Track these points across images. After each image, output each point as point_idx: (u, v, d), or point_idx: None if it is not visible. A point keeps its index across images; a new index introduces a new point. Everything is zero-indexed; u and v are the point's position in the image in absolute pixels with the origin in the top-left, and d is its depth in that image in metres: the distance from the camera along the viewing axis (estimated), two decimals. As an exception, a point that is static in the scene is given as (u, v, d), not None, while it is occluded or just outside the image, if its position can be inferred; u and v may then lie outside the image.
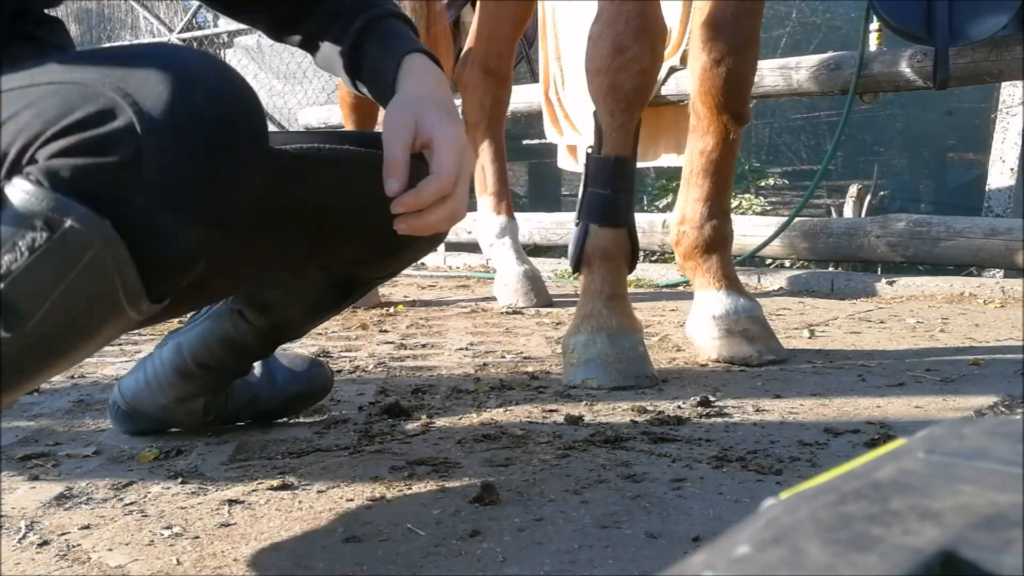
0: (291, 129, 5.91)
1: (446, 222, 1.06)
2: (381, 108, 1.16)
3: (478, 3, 3.26)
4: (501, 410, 1.67)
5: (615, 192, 1.94)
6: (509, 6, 3.16)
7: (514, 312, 2.92)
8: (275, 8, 1.24)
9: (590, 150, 1.98)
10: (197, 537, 1.11)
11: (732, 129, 2.07)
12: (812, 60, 3.53)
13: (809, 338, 2.36)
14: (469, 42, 3.28)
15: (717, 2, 2.01)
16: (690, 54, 2.10)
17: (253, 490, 1.26)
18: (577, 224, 1.98)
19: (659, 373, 1.93)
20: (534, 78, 4.91)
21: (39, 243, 0.78)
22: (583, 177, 2.00)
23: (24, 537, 1.12)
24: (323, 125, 5.28)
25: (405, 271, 4.09)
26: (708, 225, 2.09)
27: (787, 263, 4.06)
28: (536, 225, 4.22)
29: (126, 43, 6.94)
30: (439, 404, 1.73)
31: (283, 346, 1.54)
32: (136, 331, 2.64)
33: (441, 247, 4.72)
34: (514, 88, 3.70)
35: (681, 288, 3.32)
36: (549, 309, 2.95)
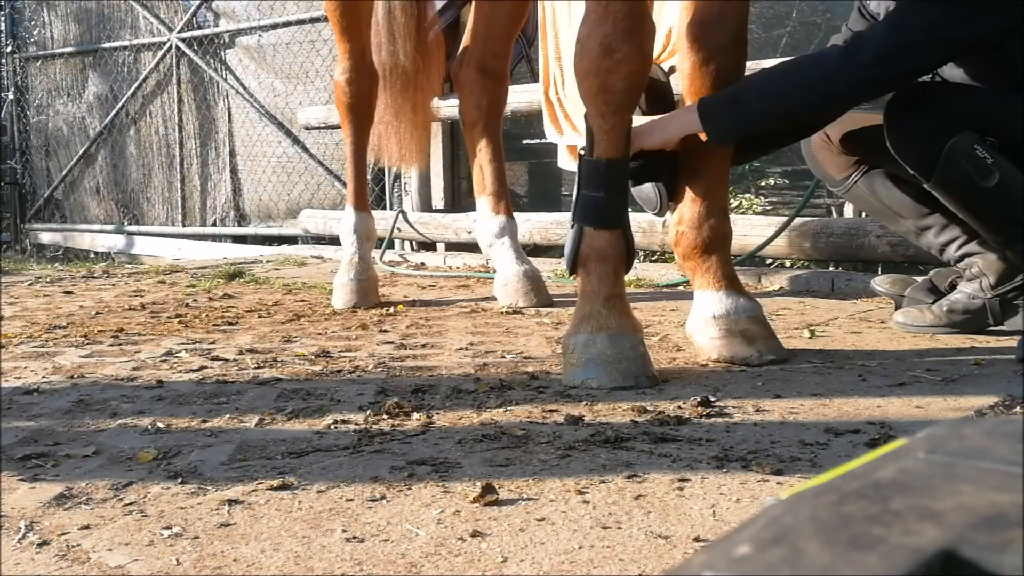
0: (291, 129, 5.91)
1: None
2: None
3: (473, 2, 3.25)
4: (501, 410, 1.67)
5: (608, 194, 1.94)
6: (504, 5, 3.15)
7: (514, 312, 2.92)
8: None
9: (582, 152, 1.98)
10: (197, 537, 1.11)
11: None
12: (812, 60, 3.52)
13: (810, 338, 2.36)
14: (465, 41, 3.28)
15: (703, 2, 2.01)
16: (678, 54, 2.10)
17: (253, 490, 1.26)
18: (572, 226, 1.98)
19: (659, 373, 1.93)
20: (534, 78, 4.90)
21: None
22: (576, 179, 2.00)
23: (24, 537, 1.12)
24: (323, 125, 5.28)
25: (405, 271, 4.10)
26: (706, 225, 2.09)
27: (787, 263, 4.05)
28: (536, 225, 4.22)
29: (125, 43, 6.93)
30: (439, 404, 1.73)
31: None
32: (136, 331, 2.64)
33: (441, 247, 4.73)
34: (514, 88, 3.70)
35: (681, 288, 3.32)
36: (549, 309, 2.95)
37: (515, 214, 3.31)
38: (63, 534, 1.13)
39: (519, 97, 4.20)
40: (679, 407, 1.66)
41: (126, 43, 6.95)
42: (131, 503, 1.23)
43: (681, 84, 2.10)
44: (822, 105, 2.03)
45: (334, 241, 4.87)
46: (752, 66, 3.25)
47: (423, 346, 2.35)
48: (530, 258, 3.27)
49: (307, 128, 5.56)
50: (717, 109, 1.95)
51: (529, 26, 4.31)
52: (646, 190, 2.13)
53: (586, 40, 1.90)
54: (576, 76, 1.94)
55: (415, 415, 1.63)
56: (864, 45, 1.91)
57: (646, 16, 1.92)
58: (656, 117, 2.04)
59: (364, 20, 3.15)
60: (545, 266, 3.65)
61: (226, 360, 2.19)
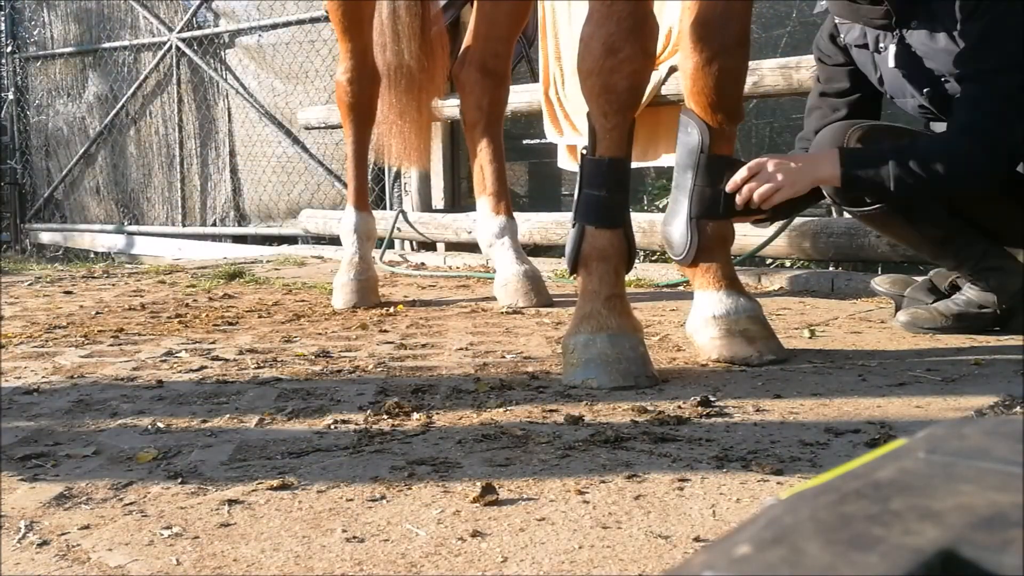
0: (291, 129, 5.90)
1: None
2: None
3: (475, 3, 3.25)
4: (501, 410, 1.67)
5: (610, 193, 1.94)
6: (506, 6, 3.16)
7: (514, 312, 2.92)
8: None
9: (585, 151, 1.98)
10: (197, 537, 1.10)
11: (726, 127, 2.07)
12: (813, 59, 3.53)
13: (810, 338, 2.36)
14: (466, 42, 3.28)
15: (707, 2, 2.01)
16: (680, 54, 2.10)
17: (253, 490, 1.26)
18: (573, 226, 1.98)
19: (659, 373, 1.93)
20: (534, 78, 4.90)
21: None
22: (578, 178, 2.00)
23: (24, 537, 1.12)
24: (323, 125, 5.28)
25: (405, 271, 4.10)
26: (707, 225, 2.09)
27: (787, 263, 4.05)
28: (536, 225, 4.22)
29: (125, 43, 6.93)
30: (439, 404, 1.73)
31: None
32: (136, 331, 2.64)
33: (441, 247, 4.73)
34: (514, 88, 3.69)
35: (681, 288, 3.32)
36: (549, 309, 2.95)
37: (515, 214, 3.31)
38: (63, 534, 1.13)
39: (519, 97, 4.20)
40: (679, 407, 1.66)
41: (126, 43, 6.95)
42: (131, 503, 1.23)
43: (683, 84, 2.10)
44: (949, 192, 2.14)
45: (334, 241, 4.87)
46: (752, 66, 3.25)
47: (423, 346, 2.35)
48: (530, 258, 3.27)
49: (307, 128, 5.56)
50: (860, 172, 2.03)
51: (529, 26, 4.32)
52: (672, 231, 2.12)
53: (589, 39, 1.90)
54: (579, 75, 1.94)
55: (415, 415, 1.63)
56: (978, 141, 2.03)
57: (649, 16, 1.92)
58: (786, 157, 2.07)
59: (366, 20, 3.16)
60: (545, 266, 3.65)
61: (226, 360, 2.19)
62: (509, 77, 3.32)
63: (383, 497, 1.22)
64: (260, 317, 2.88)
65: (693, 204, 2.07)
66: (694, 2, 2.03)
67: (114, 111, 7.00)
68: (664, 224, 2.16)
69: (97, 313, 3.04)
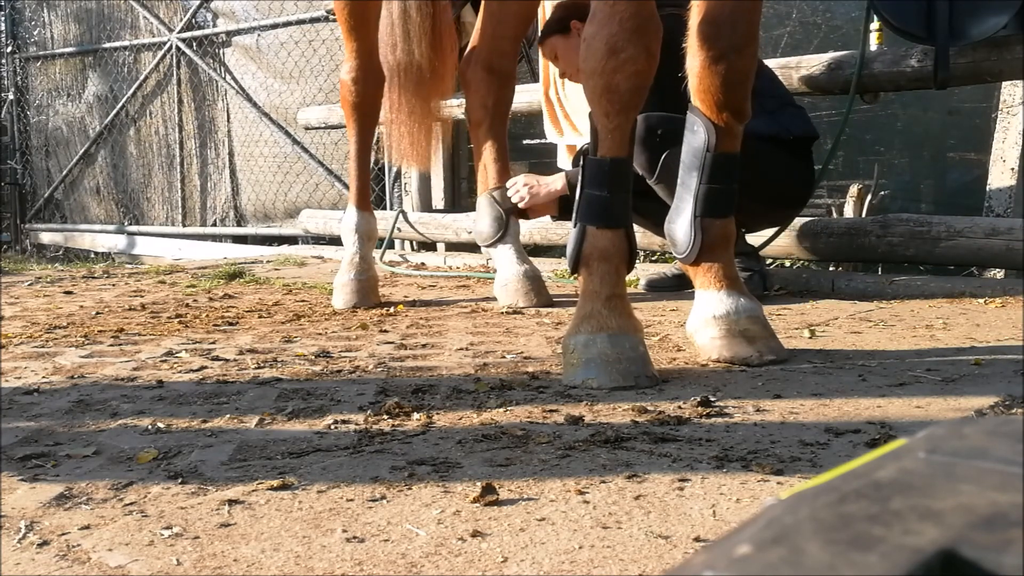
0: (289, 129, 5.90)
1: None
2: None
3: (482, 2, 3.26)
4: (501, 410, 1.67)
5: (612, 193, 1.94)
6: (513, 6, 3.16)
7: (514, 312, 2.92)
8: None
9: (586, 151, 1.98)
10: (197, 537, 1.10)
11: (733, 127, 2.07)
12: (813, 60, 3.53)
13: (810, 338, 2.36)
14: (472, 41, 3.28)
15: (716, 1, 2.01)
16: (688, 52, 2.09)
17: (253, 490, 1.26)
18: (575, 226, 1.99)
19: (659, 373, 1.93)
20: (534, 78, 4.90)
21: None
22: (580, 179, 2.00)
23: (24, 537, 1.12)
24: (323, 124, 5.28)
25: (405, 271, 4.09)
26: (712, 225, 2.09)
27: (787, 263, 4.05)
28: (536, 225, 4.22)
29: (125, 43, 6.93)
30: (439, 404, 1.73)
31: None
32: (136, 331, 2.64)
33: (441, 247, 4.73)
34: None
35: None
36: (549, 309, 2.95)
37: (515, 214, 3.31)
38: (63, 534, 1.13)
39: (519, 97, 4.19)
40: (679, 407, 1.66)
41: (126, 43, 6.95)
42: (131, 503, 1.23)
43: (689, 83, 2.10)
44: None
45: (334, 241, 4.87)
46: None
47: (423, 346, 2.35)
48: (530, 258, 3.27)
49: (307, 128, 5.56)
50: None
51: (530, 26, 4.31)
52: (676, 228, 2.13)
53: (592, 39, 1.90)
54: (581, 74, 1.95)
55: (415, 415, 1.63)
56: None
57: (652, 16, 1.92)
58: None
59: (372, 20, 3.16)
60: (545, 266, 3.65)
61: (226, 360, 2.19)
62: (515, 77, 3.33)
63: (383, 497, 1.22)
64: (260, 317, 2.88)
65: (698, 203, 2.07)
66: (703, 1, 2.03)
67: (114, 111, 7.00)
68: (668, 222, 2.17)
69: (97, 313, 3.04)
